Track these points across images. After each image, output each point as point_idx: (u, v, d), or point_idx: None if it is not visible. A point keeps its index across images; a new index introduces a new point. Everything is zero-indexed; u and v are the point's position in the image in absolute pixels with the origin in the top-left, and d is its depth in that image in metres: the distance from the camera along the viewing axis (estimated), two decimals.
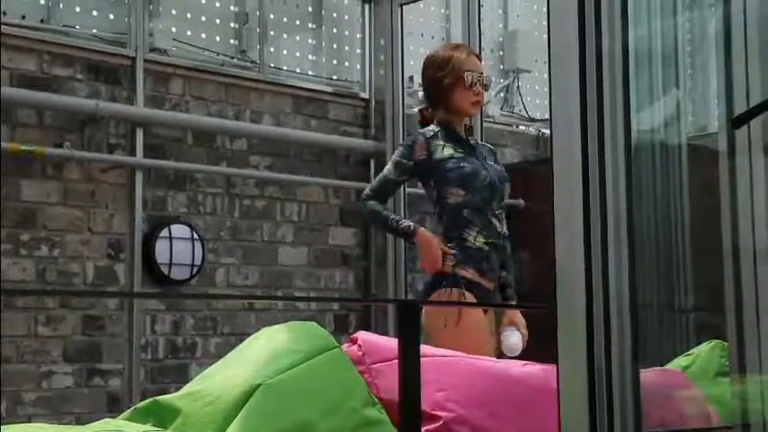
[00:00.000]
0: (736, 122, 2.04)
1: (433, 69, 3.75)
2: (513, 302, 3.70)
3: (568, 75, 2.07)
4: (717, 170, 2.21)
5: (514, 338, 3.60)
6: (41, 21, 4.98)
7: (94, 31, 5.15)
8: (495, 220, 3.65)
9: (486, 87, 3.76)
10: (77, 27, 5.09)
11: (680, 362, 2.86)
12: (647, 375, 2.30)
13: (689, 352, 2.88)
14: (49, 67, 4.93)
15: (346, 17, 6.29)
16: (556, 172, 2.09)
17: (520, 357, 3.34)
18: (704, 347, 2.84)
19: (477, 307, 3.60)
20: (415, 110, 6.17)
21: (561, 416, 2.01)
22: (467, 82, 3.68)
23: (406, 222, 3.71)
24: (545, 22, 2.12)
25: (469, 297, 3.55)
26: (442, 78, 3.70)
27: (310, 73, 6.07)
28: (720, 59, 2.23)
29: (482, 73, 3.74)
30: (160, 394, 2.26)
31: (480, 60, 3.84)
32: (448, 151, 3.65)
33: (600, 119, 2.06)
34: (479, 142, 3.91)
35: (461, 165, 3.63)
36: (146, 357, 5.12)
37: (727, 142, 2.16)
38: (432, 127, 3.74)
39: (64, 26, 5.04)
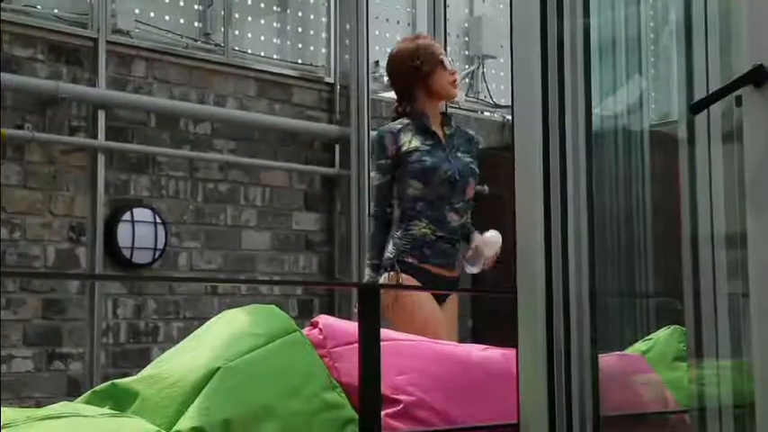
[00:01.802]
0: (694, 108, 2.06)
1: (403, 62, 3.76)
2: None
3: (530, 61, 2.08)
4: (677, 157, 2.22)
5: (489, 234, 3.66)
6: (1, 0, 4.90)
7: (56, 11, 5.09)
8: (452, 215, 3.68)
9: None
10: (38, 7, 5.03)
11: (639, 347, 2.89)
12: (607, 360, 2.32)
13: (648, 337, 2.91)
14: (9, 48, 4.86)
15: (311, 1, 6.26)
16: (517, 158, 2.11)
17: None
18: (663, 332, 2.86)
19: (434, 292, 3.66)
20: (381, 95, 6.26)
21: (520, 400, 2.03)
22: (446, 64, 3.75)
23: (367, 272, 3.75)
24: None
25: (411, 279, 3.63)
26: (419, 66, 3.72)
27: (275, 57, 6.03)
28: (681, 46, 2.24)
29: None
30: (121, 378, 2.25)
31: None
32: (414, 144, 3.69)
33: (561, 106, 2.08)
34: (460, 129, 3.90)
35: (423, 159, 3.66)
36: (107, 341, 5.09)
37: (687, 129, 2.18)
38: (401, 120, 3.77)
39: (25, 6, 4.98)
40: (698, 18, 2.14)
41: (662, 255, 2.59)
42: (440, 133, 3.75)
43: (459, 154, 3.74)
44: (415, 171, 3.64)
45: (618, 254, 2.51)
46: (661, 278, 2.64)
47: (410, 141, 3.68)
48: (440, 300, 3.69)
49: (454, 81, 3.78)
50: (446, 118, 3.83)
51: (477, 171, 3.79)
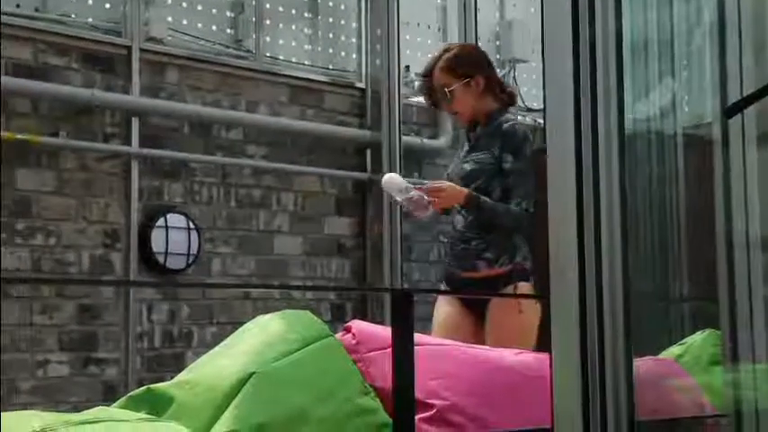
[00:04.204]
0: (729, 112, 2.04)
1: None
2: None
3: (562, 65, 2.07)
4: (711, 160, 2.21)
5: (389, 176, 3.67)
6: (36, 9, 4.96)
7: (90, 19, 5.14)
8: (457, 217, 3.69)
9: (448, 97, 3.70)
10: (73, 16, 5.08)
11: (673, 351, 2.87)
12: (641, 364, 2.30)
13: (682, 341, 2.89)
14: (44, 56, 4.92)
15: (342, 6, 6.28)
16: (550, 163, 2.10)
17: None
18: (697, 336, 2.84)
19: (472, 297, 3.66)
20: (412, 99, 6.28)
21: (554, 405, 2.02)
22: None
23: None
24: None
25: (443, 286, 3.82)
26: None
27: (306, 62, 6.06)
28: (714, 49, 2.23)
29: (445, 88, 3.68)
30: (156, 383, 2.26)
31: (446, 61, 3.74)
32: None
33: (594, 109, 2.07)
34: (498, 128, 3.66)
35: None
36: (142, 346, 5.13)
37: (721, 132, 2.16)
38: None
39: (59, 15, 5.03)
40: (731, 19, 2.13)
41: (696, 258, 2.57)
42: (473, 137, 3.75)
43: (473, 154, 3.68)
44: None
45: (652, 258, 2.50)
46: (695, 282, 2.62)
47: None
48: (470, 305, 3.65)
49: (453, 113, 3.83)
50: (487, 119, 3.71)
51: (470, 168, 3.63)
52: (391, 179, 3.62)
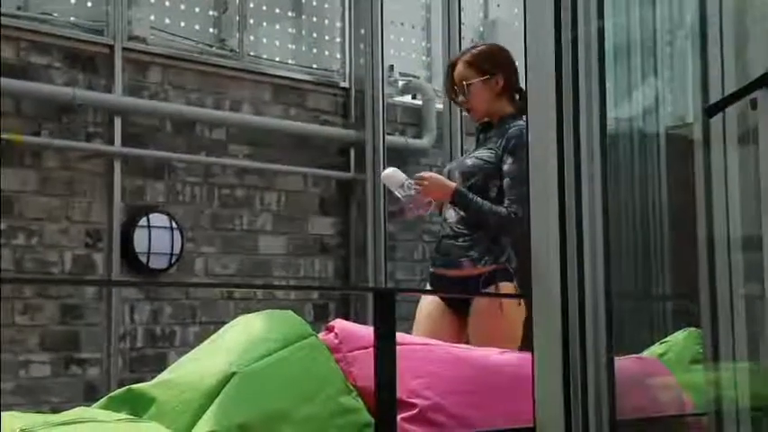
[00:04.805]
0: (710, 111, 2.05)
1: None
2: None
3: (544, 64, 2.08)
4: (692, 159, 2.22)
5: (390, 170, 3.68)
6: (18, 8, 4.93)
7: (72, 18, 5.11)
8: (450, 211, 3.66)
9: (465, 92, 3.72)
10: (55, 15, 5.06)
11: (656, 349, 2.88)
12: (623, 363, 2.31)
13: (664, 339, 2.90)
14: (26, 55, 4.89)
15: (326, 5, 6.27)
16: (532, 162, 2.11)
17: None
18: (679, 335, 2.86)
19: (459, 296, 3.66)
20: (395, 99, 6.29)
21: (536, 403, 2.02)
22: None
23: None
24: None
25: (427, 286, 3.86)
26: None
27: (290, 62, 6.05)
28: (696, 49, 2.24)
29: (464, 81, 3.69)
30: (138, 383, 2.25)
31: (470, 56, 3.75)
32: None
33: (576, 109, 2.07)
34: (508, 130, 3.63)
35: None
36: (124, 346, 5.11)
37: (702, 131, 2.17)
38: None
39: (41, 14, 5.00)
40: (713, 21, 2.14)
41: (678, 258, 2.58)
42: (483, 137, 3.76)
43: (477, 151, 3.69)
44: None
45: (633, 257, 2.51)
46: (677, 281, 2.63)
47: None
48: (453, 304, 3.64)
49: (467, 109, 3.81)
50: (500, 121, 3.70)
51: (471, 163, 3.64)
52: (391, 174, 3.65)
